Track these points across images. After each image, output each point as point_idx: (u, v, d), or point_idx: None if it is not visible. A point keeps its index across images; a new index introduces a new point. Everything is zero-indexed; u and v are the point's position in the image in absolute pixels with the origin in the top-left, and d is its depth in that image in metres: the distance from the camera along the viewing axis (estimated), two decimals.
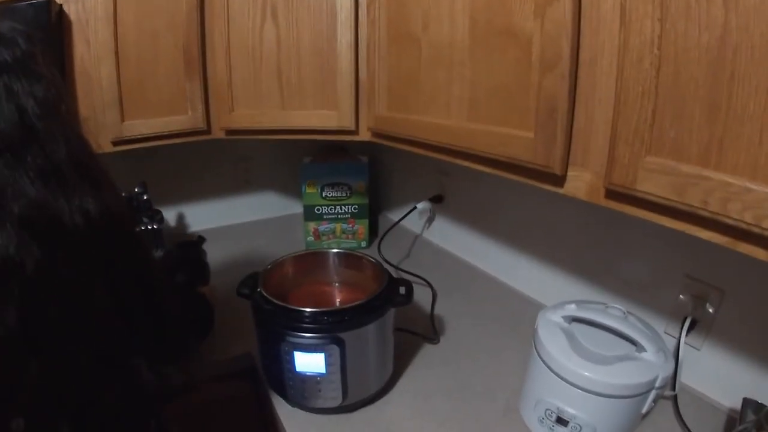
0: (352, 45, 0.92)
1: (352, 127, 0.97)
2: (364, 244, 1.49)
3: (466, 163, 0.71)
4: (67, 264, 0.38)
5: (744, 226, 0.41)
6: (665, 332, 0.85)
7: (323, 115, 0.98)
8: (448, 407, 0.84)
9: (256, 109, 1.03)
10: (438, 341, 1.03)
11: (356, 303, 0.72)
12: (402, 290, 0.81)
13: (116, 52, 0.92)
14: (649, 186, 0.47)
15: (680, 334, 0.82)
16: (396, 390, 0.88)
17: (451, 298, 1.18)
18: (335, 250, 0.96)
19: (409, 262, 1.40)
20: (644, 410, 0.73)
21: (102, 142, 0.96)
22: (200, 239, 1.05)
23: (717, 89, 0.41)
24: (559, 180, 0.57)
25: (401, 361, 0.93)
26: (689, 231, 0.47)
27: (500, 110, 0.61)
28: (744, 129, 0.40)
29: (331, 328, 0.70)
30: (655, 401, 0.73)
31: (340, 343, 0.70)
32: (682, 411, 0.80)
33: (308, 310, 0.71)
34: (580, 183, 0.55)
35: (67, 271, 0.39)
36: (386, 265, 1.25)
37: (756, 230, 0.40)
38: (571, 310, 0.81)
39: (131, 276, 0.46)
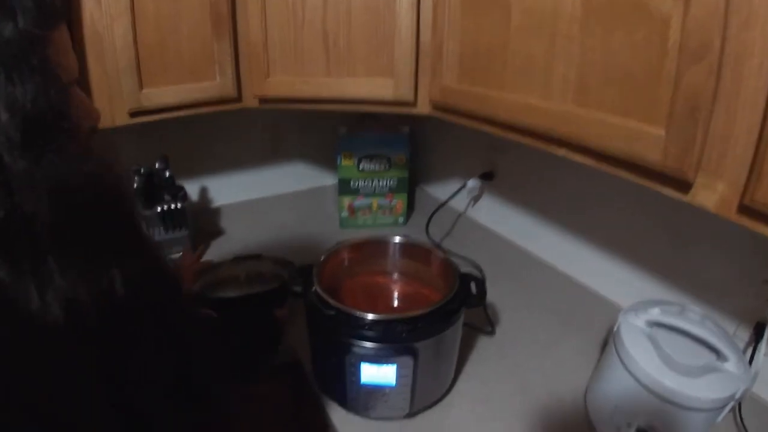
0: (414, 4, 0.86)
1: (411, 99, 0.93)
2: (401, 220, 1.48)
3: (562, 152, 0.67)
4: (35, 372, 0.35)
5: None
6: (735, 334, 0.85)
7: (377, 84, 0.93)
8: (513, 408, 0.85)
9: (297, 76, 0.98)
10: (494, 333, 1.04)
11: (432, 308, 0.71)
12: (473, 287, 0.79)
13: (132, 9, 0.85)
14: None
15: (756, 342, 0.81)
16: (456, 390, 0.88)
17: (502, 284, 1.17)
18: (397, 239, 0.93)
19: (451, 241, 1.39)
20: (719, 419, 0.73)
21: (117, 114, 0.92)
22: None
23: None
24: (686, 187, 0.54)
25: (459, 356, 0.93)
26: None
27: (619, 98, 0.57)
28: None
29: (405, 338, 0.69)
30: (730, 411, 0.74)
31: (414, 353, 0.70)
32: (744, 417, 0.81)
33: (379, 317, 0.69)
34: (710, 193, 0.52)
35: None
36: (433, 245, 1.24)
37: None
38: (655, 314, 0.80)
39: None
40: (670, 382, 0.70)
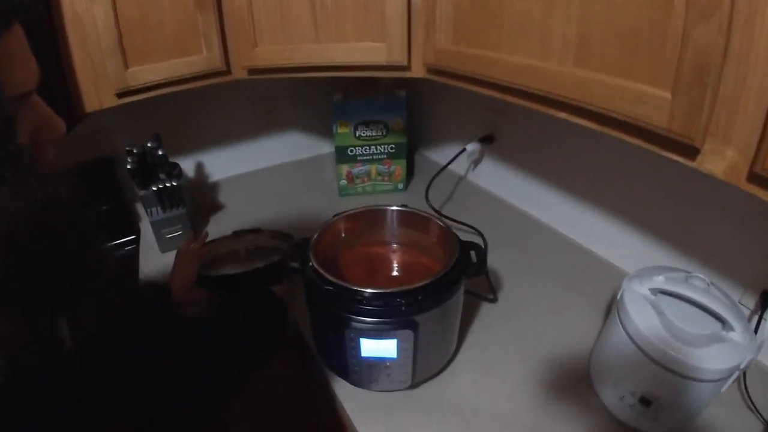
0: None
1: (404, 62, 0.88)
2: (401, 185, 1.45)
3: (563, 115, 0.64)
4: None
5: None
6: (740, 302, 0.84)
7: (368, 48, 0.89)
8: (515, 377, 0.85)
9: (285, 44, 0.94)
10: (497, 300, 1.03)
11: (431, 279, 0.69)
12: (473, 256, 0.78)
13: None
14: None
15: (764, 310, 0.80)
16: (459, 359, 0.88)
17: (504, 249, 1.16)
18: (394, 208, 0.91)
19: (452, 206, 1.36)
20: (723, 389, 0.73)
21: (104, 97, 0.90)
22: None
23: None
24: (693, 153, 0.51)
25: (462, 324, 0.93)
26: None
27: (622, 58, 0.53)
28: None
29: (404, 312, 0.68)
30: (734, 380, 0.74)
31: (414, 326, 0.69)
32: (748, 384, 0.81)
33: (376, 291, 0.68)
34: (718, 160, 0.49)
35: None
36: (434, 213, 1.22)
37: None
38: (659, 282, 0.78)
39: None
40: (675, 351, 0.69)
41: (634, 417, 0.76)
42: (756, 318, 0.82)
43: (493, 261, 1.09)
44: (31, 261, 0.32)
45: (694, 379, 0.69)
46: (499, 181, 1.28)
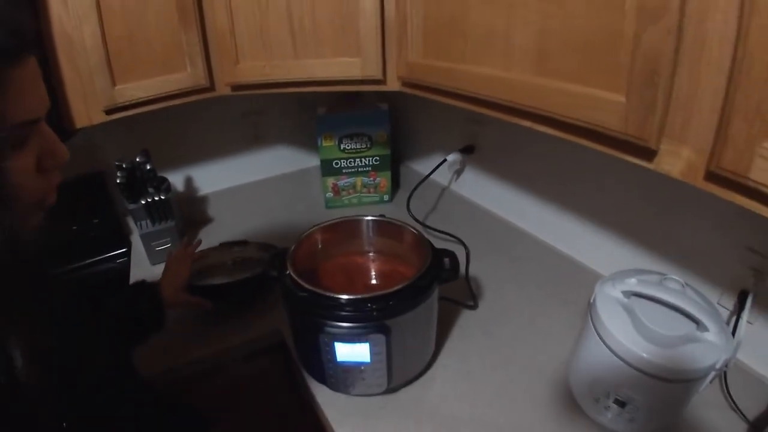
0: None
1: (379, 76, 0.88)
2: (387, 197, 1.44)
3: (527, 123, 0.63)
4: None
5: None
6: (718, 303, 0.82)
7: (344, 63, 0.88)
8: (494, 383, 0.83)
9: (265, 60, 0.93)
10: (477, 307, 1.01)
11: (402, 285, 0.68)
12: (447, 263, 0.76)
13: (98, 7, 0.82)
14: (764, 176, 0.40)
15: (739, 310, 0.78)
16: (438, 365, 0.87)
17: (485, 257, 1.14)
18: (369, 218, 0.90)
19: (436, 217, 1.35)
20: (701, 389, 0.71)
21: (93, 113, 0.90)
22: None
23: None
24: (650, 154, 0.50)
25: (441, 330, 0.91)
26: None
27: (579, 65, 0.52)
28: None
29: (376, 317, 0.66)
30: (711, 381, 0.72)
31: (386, 330, 0.67)
32: (729, 384, 0.79)
33: (349, 297, 0.67)
34: (675, 160, 0.48)
35: None
36: (415, 223, 1.21)
37: None
38: (632, 284, 0.76)
39: None
40: (647, 353, 0.67)
41: (612, 419, 0.74)
42: (734, 319, 0.80)
43: (474, 269, 1.07)
44: None
45: (668, 380, 0.68)
46: (481, 191, 1.27)
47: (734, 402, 0.77)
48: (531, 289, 1.05)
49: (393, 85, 0.90)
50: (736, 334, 0.78)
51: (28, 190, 0.36)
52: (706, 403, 0.78)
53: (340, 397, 0.79)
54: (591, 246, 1.01)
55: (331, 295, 0.67)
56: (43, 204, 0.41)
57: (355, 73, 0.88)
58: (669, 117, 0.47)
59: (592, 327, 0.75)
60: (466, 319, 0.98)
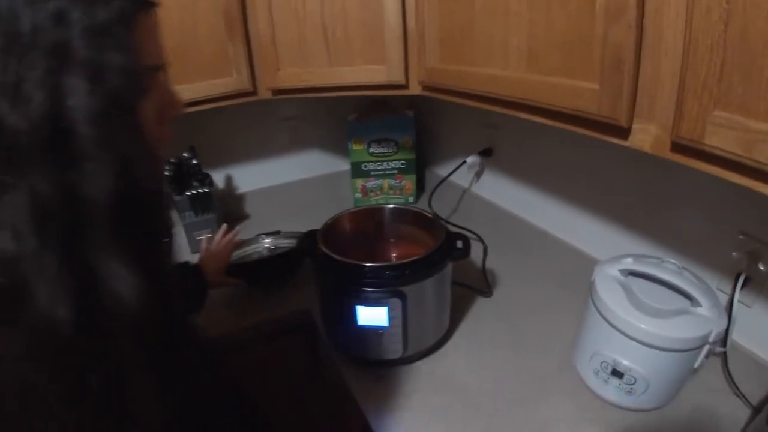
0: None
1: (402, 81, 1.00)
2: (411, 199, 1.55)
3: (524, 115, 0.73)
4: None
5: None
6: (717, 288, 0.87)
7: (372, 70, 1.01)
8: (503, 360, 0.90)
9: (303, 68, 1.07)
10: (491, 295, 1.10)
11: (416, 257, 0.78)
12: (459, 244, 0.86)
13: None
14: (717, 141, 0.49)
15: (733, 290, 0.83)
16: (452, 342, 0.95)
17: (502, 252, 1.23)
18: (391, 206, 1.01)
19: (458, 216, 1.45)
20: (696, 365, 0.76)
21: None
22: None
23: None
24: (624, 132, 0.59)
25: (456, 314, 1.00)
26: (756, 188, 0.48)
27: (562, 61, 0.63)
28: None
29: (393, 282, 0.77)
30: (707, 356, 0.77)
31: (402, 296, 0.77)
32: (730, 367, 0.83)
33: (370, 264, 0.78)
34: (645, 136, 0.57)
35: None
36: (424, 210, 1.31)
37: None
38: (628, 263, 0.84)
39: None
40: (640, 323, 0.74)
41: (612, 391, 0.80)
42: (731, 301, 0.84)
43: (492, 263, 1.17)
44: (146, 220, 0.36)
45: (660, 349, 0.74)
46: (499, 191, 1.36)
47: (737, 387, 0.81)
48: (543, 281, 1.13)
49: (415, 89, 1.02)
50: (732, 313, 0.83)
51: (150, 139, 0.37)
52: (708, 388, 0.82)
53: (359, 367, 0.89)
54: (597, 237, 1.09)
55: (356, 263, 0.79)
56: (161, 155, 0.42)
57: (381, 78, 1.01)
58: (638, 99, 0.56)
59: (591, 302, 0.83)
60: (481, 305, 1.07)
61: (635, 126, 0.58)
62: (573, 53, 0.61)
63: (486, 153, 1.32)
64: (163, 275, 0.39)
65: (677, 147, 0.54)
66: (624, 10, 0.53)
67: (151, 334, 0.35)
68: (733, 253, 0.84)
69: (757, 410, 0.78)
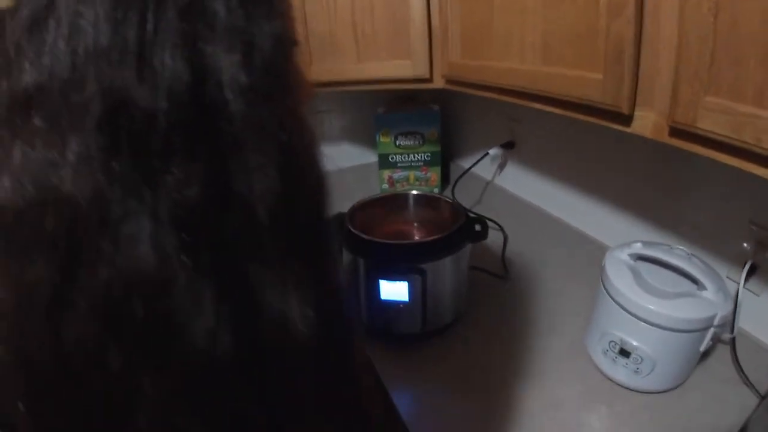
0: None
1: (427, 75, 1.06)
2: (436, 190, 1.61)
3: (538, 106, 0.79)
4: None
5: None
6: (727, 277, 0.90)
7: (398, 65, 1.08)
8: (517, 340, 0.96)
9: (334, 63, 1.15)
10: (508, 279, 1.15)
11: (437, 236, 0.85)
12: (477, 227, 0.92)
13: None
14: (709, 124, 0.54)
15: (741, 276, 0.86)
16: (468, 322, 1.01)
17: (521, 240, 1.28)
18: (414, 192, 1.09)
19: (480, 207, 1.50)
20: (702, 348, 0.79)
21: None
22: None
23: None
24: (627, 119, 0.64)
25: (475, 295, 1.06)
26: (746, 168, 0.53)
27: (572, 54, 0.68)
28: None
29: (414, 259, 0.84)
30: (713, 340, 0.79)
31: (422, 272, 0.84)
32: (739, 355, 0.85)
33: (393, 242, 0.85)
34: (646, 122, 0.62)
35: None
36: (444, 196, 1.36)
37: None
38: (638, 248, 0.88)
39: None
40: (645, 302, 0.78)
41: (620, 371, 0.84)
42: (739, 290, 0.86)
43: (510, 251, 1.22)
44: (312, 220, 0.31)
45: (664, 328, 0.77)
46: (520, 183, 1.41)
47: (745, 375, 0.82)
48: (559, 268, 1.17)
49: (438, 83, 1.08)
50: (738, 298, 0.85)
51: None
52: (717, 376, 0.84)
53: (378, 343, 0.95)
54: (611, 226, 1.13)
55: (380, 241, 0.87)
56: None
57: (407, 73, 1.08)
58: (639, 88, 0.62)
59: (601, 284, 0.87)
60: (498, 289, 1.12)
61: (636, 113, 0.63)
62: (581, 46, 0.66)
63: (508, 146, 1.37)
64: (338, 295, 0.34)
65: (674, 132, 0.59)
66: (624, 6, 0.58)
67: (325, 366, 0.30)
68: (744, 244, 0.87)
69: (764, 398, 0.78)
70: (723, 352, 0.88)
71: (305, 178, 0.30)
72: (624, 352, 0.83)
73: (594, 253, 1.15)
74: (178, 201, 0.23)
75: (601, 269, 0.89)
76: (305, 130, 0.31)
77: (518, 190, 1.42)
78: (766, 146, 0.49)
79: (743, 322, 0.89)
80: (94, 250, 0.23)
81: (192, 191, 0.24)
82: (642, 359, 0.81)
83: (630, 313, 0.80)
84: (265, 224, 0.26)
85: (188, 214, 0.24)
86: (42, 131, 0.23)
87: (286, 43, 0.29)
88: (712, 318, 0.76)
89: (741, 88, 0.50)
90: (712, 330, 0.78)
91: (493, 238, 1.23)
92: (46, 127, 0.23)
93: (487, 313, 1.04)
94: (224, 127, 0.25)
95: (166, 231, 0.23)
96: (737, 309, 0.86)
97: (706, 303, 0.77)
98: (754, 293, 0.87)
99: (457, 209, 0.97)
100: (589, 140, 1.12)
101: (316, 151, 0.32)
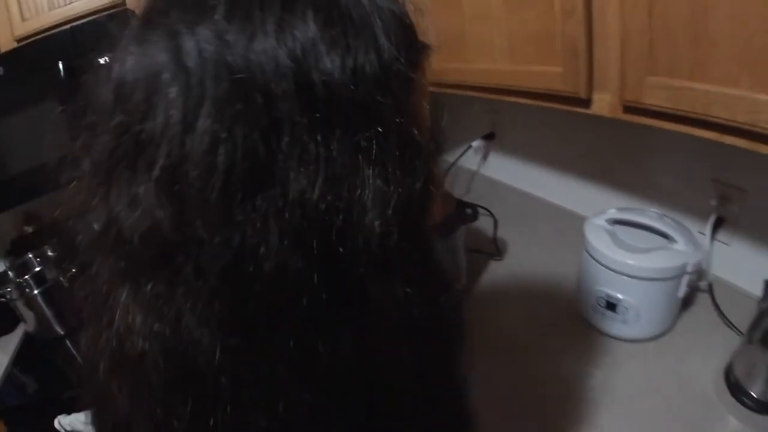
0: None
1: None
2: None
3: (512, 99, 0.89)
4: None
5: (723, 122, 0.57)
6: (699, 232, 0.98)
7: None
8: (515, 311, 1.06)
9: None
10: (502, 258, 1.25)
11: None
12: (468, 211, 1.03)
13: None
14: (652, 99, 0.65)
15: (708, 228, 0.97)
16: (469, 297, 1.11)
17: (510, 222, 1.37)
18: None
19: (470, 196, 1.60)
20: (681, 294, 0.89)
21: None
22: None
23: (696, 22, 0.56)
24: (586, 103, 0.75)
25: (472, 275, 1.16)
26: (689, 132, 0.63)
27: (535, 53, 0.79)
28: (717, 50, 0.56)
29: None
30: (690, 287, 0.89)
31: None
32: (718, 301, 0.95)
33: None
34: (602, 104, 0.73)
35: None
36: None
37: (731, 124, 0.57)
38: (613, 213, 0.99)
39: None
40: (623, 258, 0.89)
41: (609, 323, 0.94)
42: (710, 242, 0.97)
43: (502, 232, 1.32)
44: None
45: (643, 279, 0.88)
46: (503, 170, 1.51)
47: (726, 317, 0.91)
48: (547, 242, 1.27)
49: None
50: (710, 247, 0.97)
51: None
52: (701, 321, 0.94)
53: None
54: (590, 200, 1.23)
55: None
56: None
57: None
58: (595, 76, 0.73)
59: (584, 249, 0.98)
60: (493, 268, 1.23)
61: (594, 97, 0.74)
62: (542, 46, 0.77)
63: (489, 137, 1.48)
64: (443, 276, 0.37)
65: (627, 109, 0.70)
66: (574, 9, 0.69)
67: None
68: (709, 200, 0.97)
69: (742, 333, 0.86)
70: (704, 300, 0.97)
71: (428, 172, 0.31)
72: (611, 305, 0.93)
73: (575, 224, 1.25)
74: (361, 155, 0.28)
75: (583, 236, 0.99)
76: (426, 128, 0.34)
77: (502, 177, 1.53)
78: (701, 111, 0.59)
79: (719, 271, 0.98)
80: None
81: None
82: (627, 309, 0.91)
83: (611, 269, 0.91)
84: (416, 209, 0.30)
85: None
86: None
87: (417, 53, 0.33)
88: (684, 266, 0.86)
89: (675, 67, 0.61)
90: (686, 277, 0.88)
91: (485, 223, 1.33)
92: None
93: (485, 290, 1.14)
94: (373, 108, 0.28)
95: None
96: (710, 258, 0.97)
97: (677, 253, 0.88)
98: (725, 243, 0.97)
99: (449, 197, 1.08)
100: (560, 124, 1.23)
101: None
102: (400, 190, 0.28)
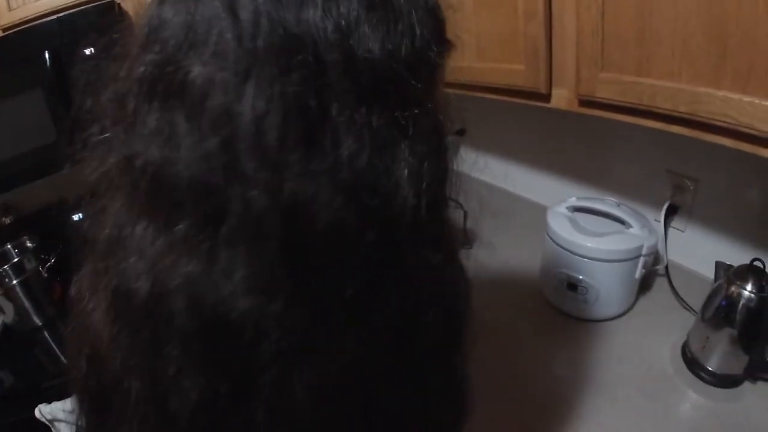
0: None
1: None
2: None
3: (478, 94, 0.94)
4: None
5: (667, 112, 0.63)
6: (655, 220, 1.04)
7: None
8: (486, 295, 1.09)
9: None
10: (471, 247, 1.30)
11: None
12: None
13: None
14: (604, 93, 0.71)
15: (661, 213, 1.04)
16: None
17: (480, 214, 1.42)
18: None
19: None
20: (637, 275, 0.96)
21: None
22: None
23: (642, 24, 0.62)
24: (546, 97, 0.81)
25: None
26: (639, 123, 0.69)
27: (500, 52, 0.84)
28: (661, 48, 0.62)
29: None
30: (646, 269, 0.96)
31: None
32: (675, 284, 1.01)
33: None
34: (560, 98, 0.79)
35: None
36: None
37: (675, 114, 0.63)
38: (573, 202, 1.06)
39: None
40: (582, 241, 0.95)
41: (570, 303, 1.01)
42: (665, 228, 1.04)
43: (471, 223, 1.36)
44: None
45: (600, 260, 0.94)
46: (474, 165, 1.56)
47: (683, 299, 0.97)
48: (512, 231, 1.33)
49: None
50: (664, 232, 1.03)
51: None
52: (658, 303, 0.99)
53: None
54: (554, 191, 1.29)
55: None
56: None
57: None
58: (553, 73, 0.78)
59: (547, 235, 1.04)
60: (462, 257, 1.27)
61: (553, 92, 0.80)
62: (507, 45, 0.82)
63: (460, 133, 1.53)
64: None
65: (582, 102, 0.76)
66: (535, 12, 0.74)
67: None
68: (664, 190, 1.03)
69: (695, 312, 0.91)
70: (662, 283, 1.04)
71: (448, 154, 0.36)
72: (572, 286, 0.99)
73: (539, 214, 1.31)
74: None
75: (546, 224, 1.05)
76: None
77: (474, 172, 1.57)
78: (647, 103, 0.66)
79: (675, 256, 1.05)
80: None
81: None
82: (587, 290, 0.97)
83: (571, 252, 0.97)
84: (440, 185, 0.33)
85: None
86: None
87: (445, 45, 0.36)
88: (640, 248, 0.93)
89: (624, 64, 0.67)
90: (642, 259, 0.94)
91: (455, 215, 1.37)
92: None
93: None
94: (407, 87, 0.30)
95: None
96: (666, 244, 1.04)
97: (632, 237, 0.94)
98: (679, 230, 1.04)
99: None
100: (523, 119, 1.30)
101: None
102: (430, 166, 0.31)
